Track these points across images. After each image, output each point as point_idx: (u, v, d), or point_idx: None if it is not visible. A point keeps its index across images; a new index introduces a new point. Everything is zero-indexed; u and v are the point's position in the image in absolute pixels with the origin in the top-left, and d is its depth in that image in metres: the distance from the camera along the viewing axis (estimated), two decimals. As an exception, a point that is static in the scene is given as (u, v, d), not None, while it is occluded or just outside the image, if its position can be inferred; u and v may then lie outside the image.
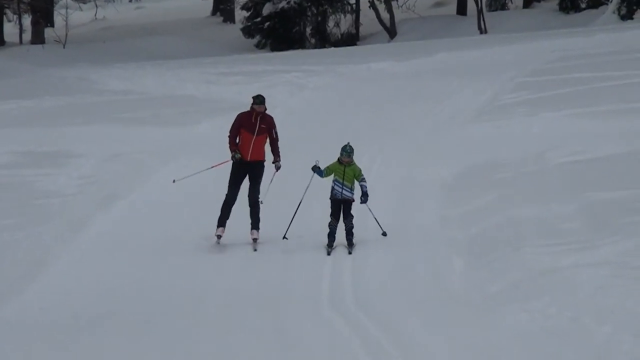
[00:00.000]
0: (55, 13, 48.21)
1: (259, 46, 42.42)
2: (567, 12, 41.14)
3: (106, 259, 14.16)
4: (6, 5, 45.67)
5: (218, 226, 15.62)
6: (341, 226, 15.26)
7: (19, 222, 16.11)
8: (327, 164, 15.42)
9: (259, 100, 15.86)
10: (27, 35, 45.45)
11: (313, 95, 27.70)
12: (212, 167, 16.15)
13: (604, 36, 31.83)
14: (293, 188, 16.11)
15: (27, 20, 46.55)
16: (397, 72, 30.30)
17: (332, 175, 15.56)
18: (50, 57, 38.21)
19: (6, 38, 44.95)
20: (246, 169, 15.65)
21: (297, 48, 39.61)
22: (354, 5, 42.52)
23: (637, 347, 9.65)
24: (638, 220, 13.49)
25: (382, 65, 31.35)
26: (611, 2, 38.74)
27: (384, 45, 38.74)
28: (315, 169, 15.51)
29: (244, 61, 35.15)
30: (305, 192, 15.43)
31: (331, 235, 15.27)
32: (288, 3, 40.29)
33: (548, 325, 10.84)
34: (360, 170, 15.46)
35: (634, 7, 38.02)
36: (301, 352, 10.45)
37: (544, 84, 24.51)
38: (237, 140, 15.75)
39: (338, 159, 15.42)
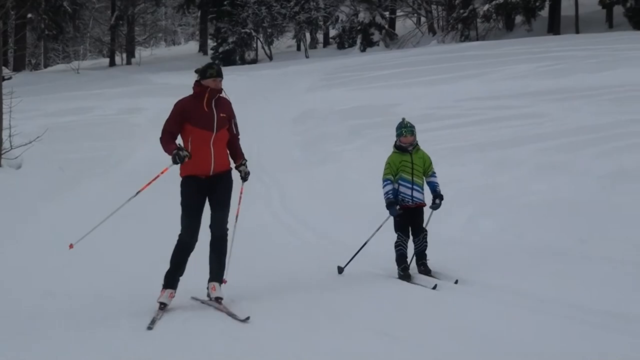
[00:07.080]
0: (135, 51, 49.89)
1: (217, 67, 42.11)
2: (341, 49, 40.51)
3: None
4: (115, 50, 47.50)
5: (165, 287, 5.73)
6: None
7: (122, 138, 16.98)
8: (387, 165, 6.44)
9: (214, 70, 5.71)
10: (124, 60, 47.75)
11: (242, 85, 26.67)
12: (139, 191, 6.05)
13: (355, 58, 30.69)
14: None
15: (123, 53, 48.66)
16: (272, 74, 29.84)
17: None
18: (134, 70, 39.27)
19: (115, 62, 46.80)
20: (208, 187, 5.72)
21: (232, 65, 39.76)
22: (254, 47, 43.11)
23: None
24: (371, 132, 13.43)
25: (267, 71, 31.04)
26: (358, 42, 38.30)
27: (267, 64, 37.98)
28: (391, 207, 6.29)
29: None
30: (378, 229, 6.69)
31: (403, 258, 6.45)
32: (229, 46, 41.30)
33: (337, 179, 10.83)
34: (430, 159, 6.57)
35: (368, 45, 37.53)
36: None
37: (332, 77, 24.04)
38: (185, 145, 5.72)
39: (395, 144, 6.50)
